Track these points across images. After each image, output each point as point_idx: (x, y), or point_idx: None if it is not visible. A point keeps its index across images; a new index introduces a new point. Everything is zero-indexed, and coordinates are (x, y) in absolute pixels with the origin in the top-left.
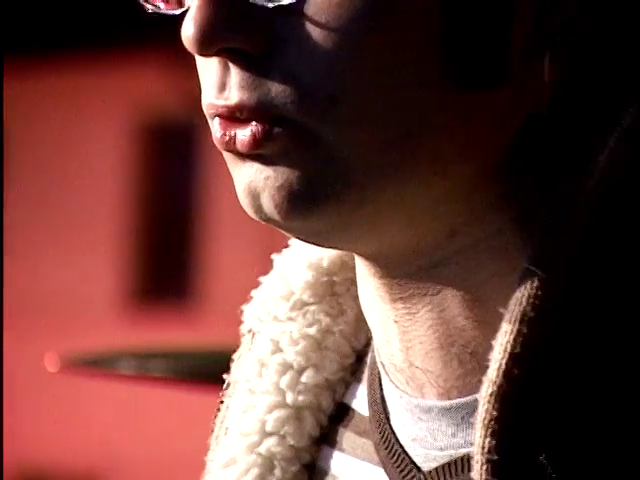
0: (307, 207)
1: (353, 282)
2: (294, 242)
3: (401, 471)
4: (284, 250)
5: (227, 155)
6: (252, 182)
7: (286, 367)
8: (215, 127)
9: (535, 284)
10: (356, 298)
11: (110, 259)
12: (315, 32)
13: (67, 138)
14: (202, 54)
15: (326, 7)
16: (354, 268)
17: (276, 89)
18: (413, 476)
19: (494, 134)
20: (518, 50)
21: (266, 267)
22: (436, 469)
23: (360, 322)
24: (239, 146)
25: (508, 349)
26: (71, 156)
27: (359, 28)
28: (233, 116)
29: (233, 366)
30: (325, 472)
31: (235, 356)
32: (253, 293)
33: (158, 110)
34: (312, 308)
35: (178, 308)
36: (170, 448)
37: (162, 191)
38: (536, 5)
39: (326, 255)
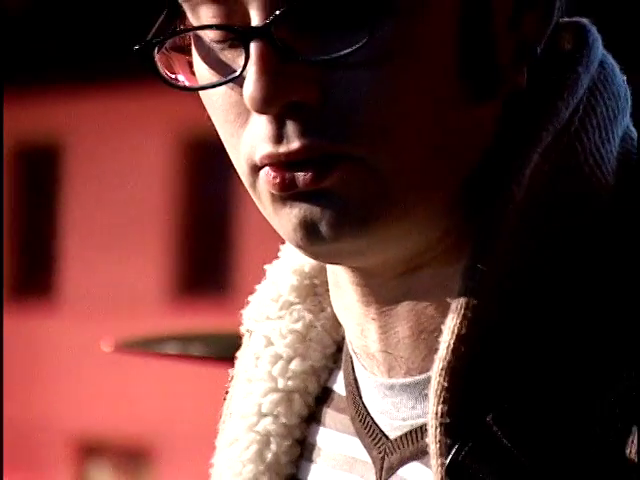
0: (360, 227)
1: (324, 280)
2: (282, 253)
3: (372, 439)
4: (274, 261)
5: (274, 198)
6: (308, 215)
7: (277, 358)
8: (268, 174)
9: (476, 276)
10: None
11: (158, 257)
12: (359, 78)
13: (121, 151)
14: (266, 112)
15: (365, 58)
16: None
17: (332, 131)
18: (382, 443)
19: (482, 140)
20: (507, 66)
21: None
22: (400, 437)
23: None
24: (301, 184)
25: (455, 331)
26: (125, 167)
27: (394, 71)
28: (292, 161)
29: (236, 362)
30: (313, 445)
31: (238, 354)
32: (250, 298)
33: (197, 128)
34: (297, 307)
35: (215, 299)
36: (207, 418)
37: (202, 198)
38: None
39: (307, 262)
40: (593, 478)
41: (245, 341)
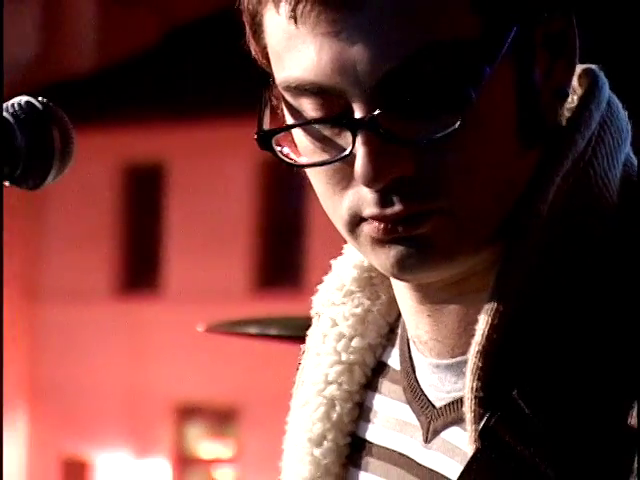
0: (444, 262)
1: (384, 276)
2: (346, 251)
3: (421, 407)
4: (339, 257)
5: (373, 241)
6: (405, 254)
7: (341, 336)
8: (373, 224)
9: (506, 280)
10: (388, 287)
11: (243, 257)
12: (445, 154)
13: (213, 170)
14: (373, 187)
15: (443, 142)
16: None
17: (425, 195)
18: (429, 411)
19: (521, 180)
20: (548, 111)
21: None
22: (444, 406)
23: (391, 304)
24: (401, 231)
25: (489, 321)
26: (216, 183)
27: (472, 147)
28: (394, 219)
29: (307, 339)
30: (370, 408)
31: (308, 332)
32: (318, 287)
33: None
34: (357, 295)
35: (288, 291)
36: (282, 386)
37: (277, 209)
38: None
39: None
40: (599, 441)
41: (314, 322)
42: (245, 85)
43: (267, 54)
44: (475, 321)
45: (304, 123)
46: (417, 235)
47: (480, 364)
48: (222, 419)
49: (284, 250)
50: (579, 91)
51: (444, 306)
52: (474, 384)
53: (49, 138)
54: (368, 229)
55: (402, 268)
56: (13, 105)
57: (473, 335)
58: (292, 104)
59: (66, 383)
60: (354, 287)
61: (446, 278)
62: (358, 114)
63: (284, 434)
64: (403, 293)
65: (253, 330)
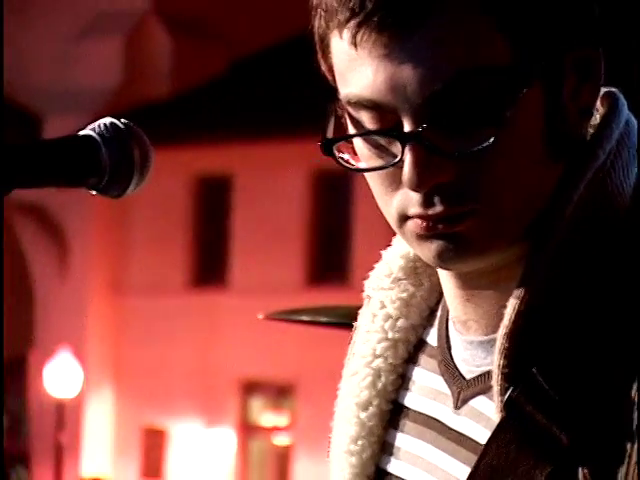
0: (479, 256)
1: (427, 265)
2: (394, 243)
3: (453, 378)
4: (388, 248)
5: (418, 236)
6: (444, 249)
7: (388, 317)
8: (417, 222)
9: (533, 270)
10: (430, 275)
11: (297, 256)
12: (481, 163)
13: (273, 180)
14: (417, 192)
15: (480, 153)
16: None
17: (463, 198)
18: (460, 382)
19: (548, 188)
20: (574, 130)
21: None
22: (473, 378)
23: (432, 290)
24: (441, 229)
25: (516, 308)
26: (275, 190)
27: (505, 156)
28: (436, 218)
29: (358, 317)
30: (410, 379)
31: (360, 311)
32: (369, 273)
33: (323, 167)
34: (403, 282)
35: (335, 286)
36: (329, 364)
37: (329, 214)
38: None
39: (411, 249)
40: (605, 411)
41: (365, 303)
42: (299, 109)
43: (333, 72)
44: (504, 304)
45: (362, 134)
46: (455, 232)
47: (506, 344)
48: (280, 393)
49: (332, 250)
50: (601, 110)
51: (480, 292)
52: (501, 362)
53: (130, 154)
54: (413, 226)
55: (442, 260)
56: (99, 125)
57: (502, 317)
58: (353, 116)
59: (146, 363)
60: (401, 275)
61: (481, 269)
62: (407, 128)
63: (332, 406)
64: (446, 280)
65: (305, 318)
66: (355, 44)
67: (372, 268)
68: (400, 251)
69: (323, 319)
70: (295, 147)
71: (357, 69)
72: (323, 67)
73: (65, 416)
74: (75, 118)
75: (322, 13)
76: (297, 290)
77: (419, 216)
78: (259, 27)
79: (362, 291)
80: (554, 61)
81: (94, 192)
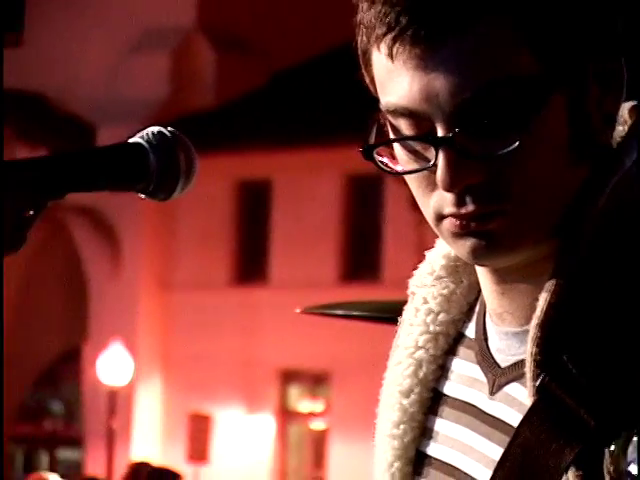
0: (508, 253)
1: (467, 265)
2: (437, 244)
3: (489, 367)
4: (432, 249)
5: (453, 234)
6: (477, 245)
7: (430, 311)
8: (452, 221)
9: (563, 265)
10: (469, 274)
11: (332, 256)
12: (510, 165)
13: (308, 183)
14: (450, 192)
15: (513, 154)
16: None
17: (493, 198)
18: (495, 370)
19: (572, 189)
20: (598, 135)
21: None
22: (508, 366)
23: (471, 287)
24: (473, 227)
25: (547, 299)
26: (311, 193)
27: (531, 159)
28: (468, 217)
29: (403, 312)
30: (449, 369)
31: (405, 307)
32: (414, 272)
33: (356, 172)
34: (445, 279)
35: (367, 284)
36: (364, 356)
37: (361, 216)
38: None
39: (453, 250)
40: (630, 396)
41: (410, 299)
42: (334, 118)
43: (375, 83)
44: (537, 297)
45: (399, 139)
46: (486, 230)
47: (539, 334)
48: (316, 382)
49: (364, 249)
50: (629, 122)
51: (514, 286)
52: (533, 349)
53: (176, 160)
54: (448, 224)
55: (475, 256)
56: (147, 134)
57: (534, 309)
58: (393, 123)
59: (192, 354)
60: (442, 273)
61: (514, 265)
62: (440, 133)
63: (364, 393)
64: (483, 276)
65: (339, 312)
66: (392, 56)
67: (401, 265)
68: (442, 251)
69: (355, 313)
70: (329, 153)
71: (394, 79)
72: (366, 79)
73: (117, 403)
74: (126, 127)
75: (363, 29)
76: (331, 286)
77: (453, 215)
78: (297, 42)
79: (392, 287)
80: (578, 73)
81: (143, 195)
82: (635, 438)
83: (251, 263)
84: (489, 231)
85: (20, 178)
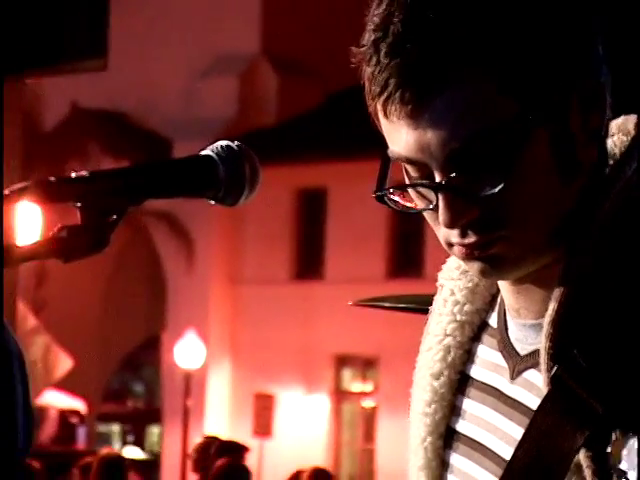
0: (511, 272)
1: None
2: None
3: (509, 354)
4: None
5: (462, 258)
6: (482, 268)
7: (456, 302)
8: (459, 249)
9: (572, 265)
10: None
11: (381, 254)
12: (502, 200)
13: (360, 189)
14: (451, 229)
15: (503, 192)
16: None
17: (491, 229)
18: (515, 357)
19: (569, 201)
20: (584, 152)
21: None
22: (526, 354)
23: (493, 281)
24: (477, 254)
25: (558, 299)
26: (361, 199)
27: (522, 193)
28: (472, 246)
29: (433, 303)
30: (474, 354)
31: (434, 298)
32: (442, 266)
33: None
34: (469, 273)
35: (412, 278)
36: (408, 343)
37: (406, 219)
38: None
39: None
40: (635, 387)
41: (438, 291)
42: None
43: (382, 131)
44: (549, 295)
45: (403, 186)
46: (489, 255)
47: (551, 330)
48: (366, 365)
49: (408, 248)
50: (632, 134)
51: (528, 286)
52: (547, 344)
53: (242, 170)
54: (457, 251)
55: (484, 276)
56: (217, 147)
57: (548, 305)
58: (404, 166)
59: (258, 341)
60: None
61: (527, 273)
62: (437, 179)
63: (408, 375)
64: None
65: (386, 304)
66: (386, 115)
67: (441, 263)
68: None
69: (401, 305)
70: (378, 164)
71: (393, 133)
72: (378, 128)
73: (191, 384)
74: (199, 142)
75: (366, 86)
76: (379, 281)
77: (458, 244)
78: (348, 67)
79: (433, 282)
80: (558, 107)
81: (213, 202)
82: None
83: (309, 261)
84: (492, 255)
85: (104, 186)
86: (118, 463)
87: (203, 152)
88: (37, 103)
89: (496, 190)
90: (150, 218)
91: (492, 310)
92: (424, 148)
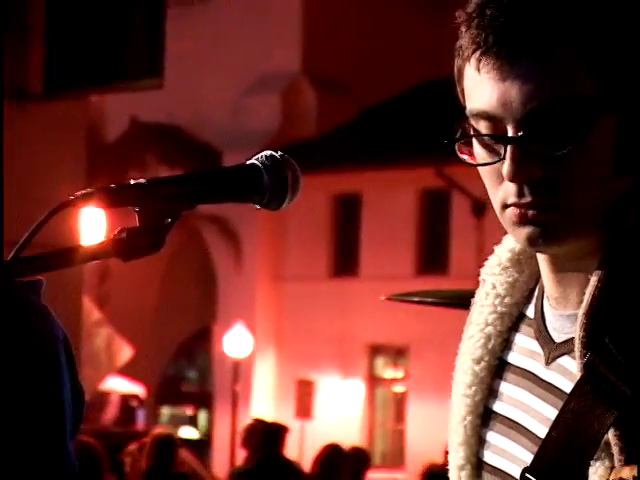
0: (559, 241)
1: (528, 257)
2: (504, 241)
3: (545, 342)
4: (500, 244)
5: (513, 222)
6: (533, 233)
7: (497, 295)
8: (514, 211)
9: (609, 259)
10: (530, 265)
11: (410, 254)
12: (563, 166)
13: (388, 195)
14: (513, 182)
15: (567, 157)
16: (530, 253)
17: (548, 193)
18: (551, 344)
19: (615, 194)
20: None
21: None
22: (561, 342)
23: (531, 276)
24: (530, 217)
25: (592, 292)
26: (390, 203)
27: (580, 163)
28: (526, 207)
29: (475, 295)
30: (512, 342)
31: (476, 291)
32: (485, 263)
33: (430, 186)
34: (510, 269)
35: (438, 275)
36: (435, 334)
37: (433, 222)
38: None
39: (516, 245)
40: None
41: (481, 285)
42: (410, 144)
43: (464, 94)
44: (585, 286)
45: (477, 135)
46: (541, 220)
47: (585, 321)
48: (397, 354)
49: (434, 249)
50: None
51: (568, 275)
52: (580, 334)
53: (284, 178)
54: (510, 213)
55: (530, 242)
56: (261, 156)
57: (584, 298)
58: (474, 126)
59: (299, 332)
60: (508, 264)
61: (566, 256)
62: (510, 133)
63: (436, 363)
64: (543, 266)
65: (415, 299)
66: (478, 69)
67: (463, 262)
68: (508, 246)
69: (428, 300)
70: (407, 172)
71: (479, 88)
72: (459, 92)
73: (239, 371)
74: (245, 152)
75: (460, 51)
76: (408, 279)
77: (515, 204)
78: (379, 85)
79: (456, 279)
80: (630, 100)
81: (258, 206)
82: None
83: (345, 260)
84: (543, 221)
85: (160, 192)
86: (169, 441)
87: (249, 161)
88: (100, 118)
89: (560, 153)
90: (202, 221)
91: (529, 303)
92: (506, 103)
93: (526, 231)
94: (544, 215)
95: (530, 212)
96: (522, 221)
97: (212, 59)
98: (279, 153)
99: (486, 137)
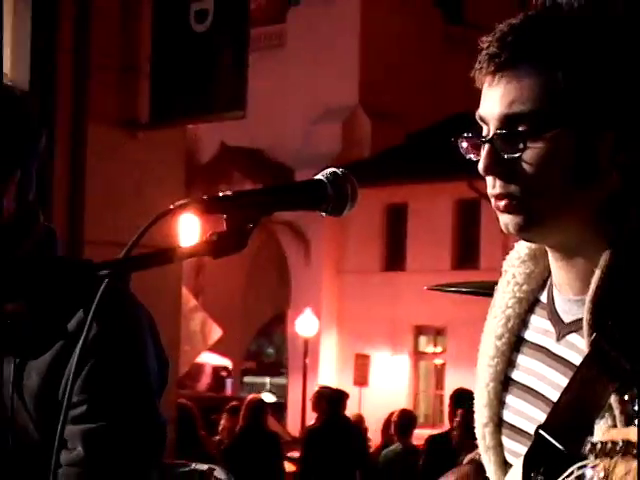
0: (528, 229)
1: (543, 252)
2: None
3: (556, 322)
4: (519, 242)
5: (497, 213)
6: (507, 221)
7: (516, 283)
8: (493, 203)
9: (612, 254)
10: (544, 258)
11: (448, 251)
12: (526, 164)
13: (430, 205)
14: (486, 175)
15: (528, 157)
16: (544, 250)
17: (514, 186)
18: (561, 323)
19: (594, 201)
20: (603, 168)
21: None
22: (570, 321)
23: (545, 267)
24: (501, 208)
25: (597, 281)
26: (432, 212)
27: (533, 163)
28: (498, 198)
29: (498, 283)
30: (528, 322)
31: (499, 280)
32: (507, 256)
33: (464, 196)
34: (527, 262)
35: (471, 269)
36: (469, 316)
37: (465, 225)
38: (609, 149)
39: (533, 244)
40: None
41: (502, 275)
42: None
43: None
44: (592, 274)
45: (465, 136)
46: (511, 210)
47: (591, 306)
48: (437, 333)
49: (468, 248)
50: None
51: (572, 263)
52: (588, 317)
53: (345, 190)
54: (493, 204)
55: (508, 229)
56: (326, 173)
57: (589, 283)
58: (481, 124)
59: (357, 315)
60: (526, 258)
61: (564, 246)
62: (485, 133)
63: (469, 341)
64: (550, 257)
65: (452, 289)
66: (481, 73)
67: (492, 259)
68: (526, 243)
69: (462, 289)
70: (445, 186)
71: (482, 97)
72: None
73: (308, 348)
74: (313, 170)
75: (478, 65)
76: (446, 272)
77: (491, 195)
78: (424, 114)
79: (486, 272)
80: (593, 122)
81: (324, 213)
82: None
83: (394, 256)
84: (513, 211)
85: (244, 202)
86: (261, 405)
87: (316, 177)
88: (195, 143)
89: (516, 155)
90: (278, 226)
91: (543, 290)
92: (491, 111)
93: (503, 219)
94: (510, 204)
95: (502, 203)
96: (500, 210)
97: (286, 94)
98: (340, 170)
99: (473, 137)
